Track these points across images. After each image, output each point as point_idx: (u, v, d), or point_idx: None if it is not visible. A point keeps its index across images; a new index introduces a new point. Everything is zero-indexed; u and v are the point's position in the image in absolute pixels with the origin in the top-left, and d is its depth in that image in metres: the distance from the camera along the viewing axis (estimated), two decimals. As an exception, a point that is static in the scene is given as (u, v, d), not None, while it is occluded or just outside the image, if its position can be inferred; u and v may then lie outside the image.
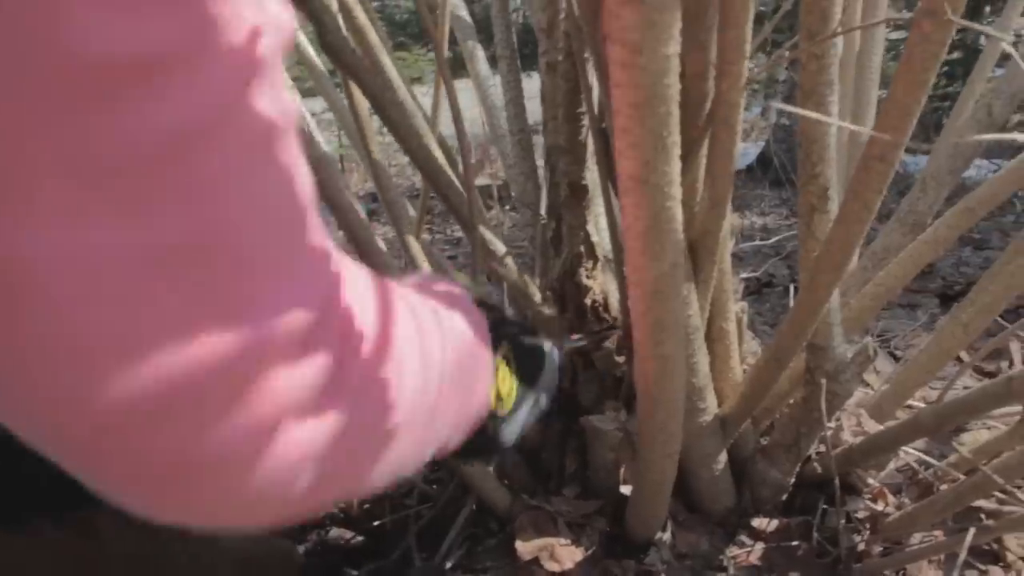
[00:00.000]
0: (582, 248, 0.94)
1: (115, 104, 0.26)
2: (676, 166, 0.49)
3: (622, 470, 0.92)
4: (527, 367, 0.70)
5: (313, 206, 0.34)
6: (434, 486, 1.06)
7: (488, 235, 0.86)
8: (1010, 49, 0.55)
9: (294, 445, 0.34)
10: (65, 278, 0.26)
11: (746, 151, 4.12)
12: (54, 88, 0.24)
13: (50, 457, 0.30)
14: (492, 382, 0.62)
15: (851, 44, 1.18)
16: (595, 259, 0.95)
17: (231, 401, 0.31)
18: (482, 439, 0.63)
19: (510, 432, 0.66)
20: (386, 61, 0.97)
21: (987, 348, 1.13)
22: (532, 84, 1.22)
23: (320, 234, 0.35)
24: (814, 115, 0.64)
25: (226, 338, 0.30)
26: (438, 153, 0.94)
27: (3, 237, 0.25)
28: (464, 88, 1.45)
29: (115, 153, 0.26)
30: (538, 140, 1.23)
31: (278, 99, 0.31)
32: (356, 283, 0.39)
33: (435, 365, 0.47)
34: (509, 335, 0.69)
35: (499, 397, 0.64)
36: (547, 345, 0.74)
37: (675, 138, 0.48)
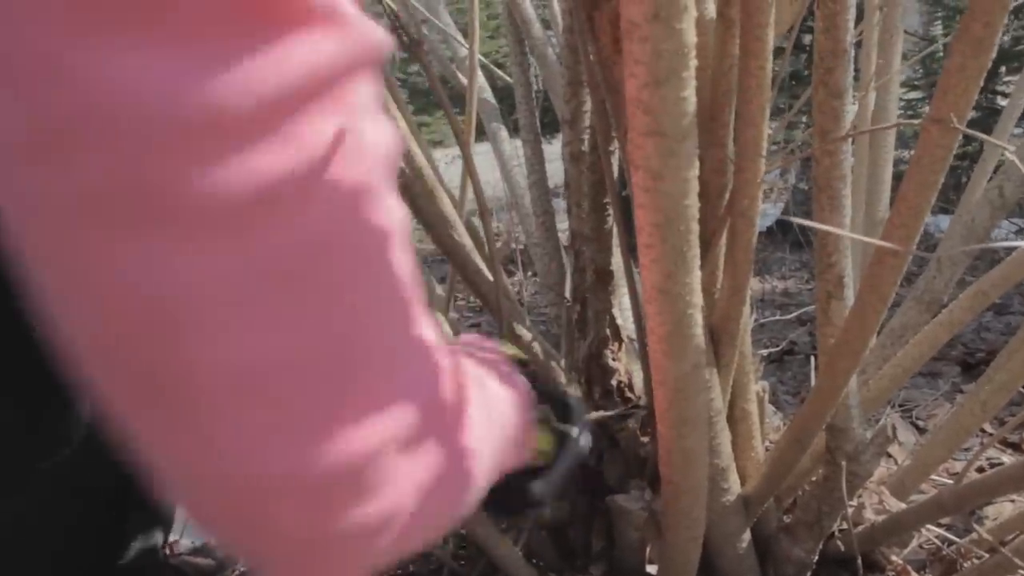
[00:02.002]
0: (607, 331, 0.96)
1: (246, 232, 0.29)
2: (696, 276, 0.53)
3: (648, 549, 0.94)
4: (562, 429, 0.75)
5: (419, 298, 0.39)
6: (462, 563, 1.08)
7: (517, 327, 0.90)
8: (1012, 157, 0.58)
9: (406, 516, 0.38)
10: (224, 388, 0.30)
11: (765, 213, 4.15)
12: (186, 223, 0.28)
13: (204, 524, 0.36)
14: (530, 444, 0.68)
15: (865, 121, 1.21)
16: (620, 341, 0.98)
17: (361, 488, 0.35)
18: (518, 496, 0.68)
19: (543, 489, 0.70)
20: (415, 150, 1.01)
21: (1012, 423, 1.14)
22: (550, 149, 1.26)
23: (425, 323, 0.39)
24: (834, 229, 0.67)
25: (355, 432, 0.33)
26: (466, 240, 0.98)
27: (176, 355, 0.30)
28: (487, 152, 1.50)
29: (250, 273, 0.30)
30: (558, 204, 1.27)
31: (388, 209, 0.35)
32: (443, 361, 0.44)
33: (494, 432, 0.52)
34: (546, 397, 0.74)
35: (538, 453, 0.70)
36: (581, 407, 0.78)
37: (695, 252, 0.51)
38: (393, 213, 0.35)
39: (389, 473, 0.36)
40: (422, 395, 0.38)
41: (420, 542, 0.43)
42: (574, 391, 0.97)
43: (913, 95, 4.65)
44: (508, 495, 0.64)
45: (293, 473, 0.32)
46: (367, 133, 0.33)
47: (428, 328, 0.40)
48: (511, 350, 0.78)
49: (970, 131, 0.59)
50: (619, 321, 0.98)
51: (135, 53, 0.26)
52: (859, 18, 0.85)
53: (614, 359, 0.98)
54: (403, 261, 0.36)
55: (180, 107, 0.27)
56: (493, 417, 0.52)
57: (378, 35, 0.33)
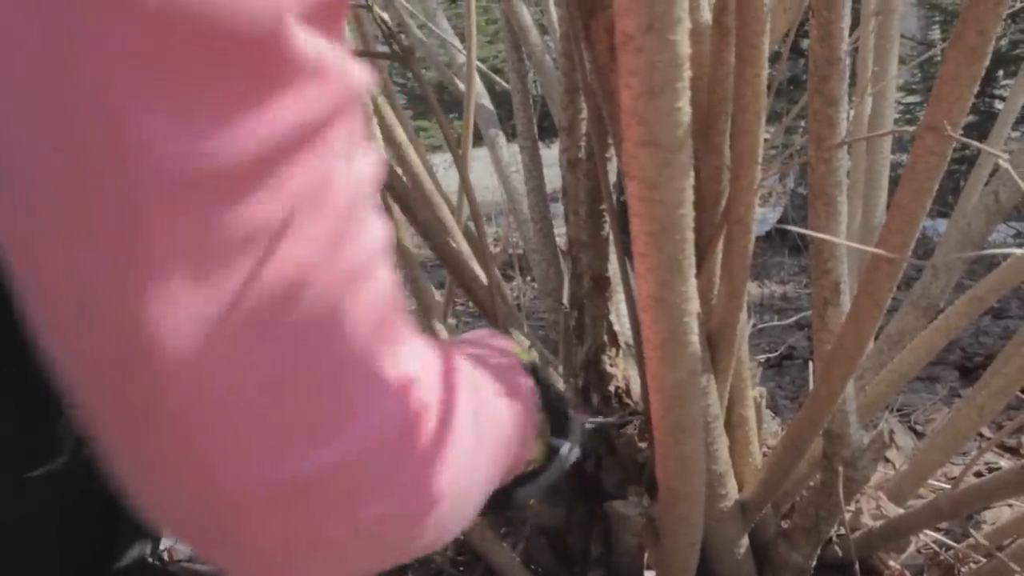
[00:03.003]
0: (605, 337, 0.97)
1: (232, 272, 0.32)
2: (692, 284, 0.53)
3: (646, 555, 0.94)
4: (555, 435, 0.76)
5: (401, 309, 0.41)
6: (461, 568, 1.09)
7: (514, 332, 0.90)
8: (1005, 165, 0.59)
9: (379, 527, 0.41)
10: (199, 401, 0.33)
11: (764, 217, 4.15)
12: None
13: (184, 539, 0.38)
14: (526, 452, 0.69)
15: (862, 127, 1.22)
16: (617, 346, 0.98)
17: (340, 497, 0.38)
18: (501, 499, 0.70)
19: (524, 495, 0.73)
20: (413, 158, 1.02)
21: (1010, 428, 1.15)
22: (548, 153, 1.27)
23: (406, 334, 0.42)
24: (829, 238, 0.68)
25: (336, 446, 0.36)
26: (463, 246, 0.98)
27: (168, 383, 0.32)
28: (484, 157, 1.51)
29: (236, 309, 0.33)
30: (555, 209, 1.27)
31: (370, 235, 0.37)
32: (431, 368, 0.46)
33: (484, 448, 0.53)
34: (546, 406, 0.75)
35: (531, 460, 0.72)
36: (575, 417, 0.80)
37: (690, 260, 0.51)
38: (375, 236, 0.38)
39: (365, 483, 0.38)
40: (401, 412, 0.40)
41: (399, 557, 0.45)
42: (571, 396, 0.98)
43: (911, 99, 4.65)
44: (493, 496, 0.67)
45: (261, 488, 0.35)
46: (351, 168, 0.36)
47: (411, 345, 0.42)
48: (521, 348, 0.79)
49: (964, 139, 0.59)
50: (616, 327, 0.98)
51: (155, 114, 0.29)
52: (856, 24, 0.85)
53: (612, 365, 0.98)
54: (383, 282, 0.38)
55: (181, 164, 0.30)
56: (485, 431, 0.53)
57: (360, 75, 0.35)
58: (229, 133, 0.30)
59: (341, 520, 0.38)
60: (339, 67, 0.34)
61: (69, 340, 0.33)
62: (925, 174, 0.61)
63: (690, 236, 0.50)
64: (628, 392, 0.99)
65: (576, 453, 0.78)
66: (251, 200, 0.31)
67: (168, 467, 0.34)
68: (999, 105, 3.91)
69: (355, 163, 0.36)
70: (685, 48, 0.40)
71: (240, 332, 0.33)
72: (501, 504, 0.72)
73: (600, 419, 0.96)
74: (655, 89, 0.41)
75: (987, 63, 0.56)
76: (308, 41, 0.32)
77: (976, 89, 0.57)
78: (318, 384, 0.36)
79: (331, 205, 0.34)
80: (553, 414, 0.76)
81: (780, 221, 4.06)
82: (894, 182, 1.27)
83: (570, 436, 0.78)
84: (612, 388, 0.98)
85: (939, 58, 3.92)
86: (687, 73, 0.42)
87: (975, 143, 0.59)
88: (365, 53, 1.00)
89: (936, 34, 4.57)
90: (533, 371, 0.74)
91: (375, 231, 0.38)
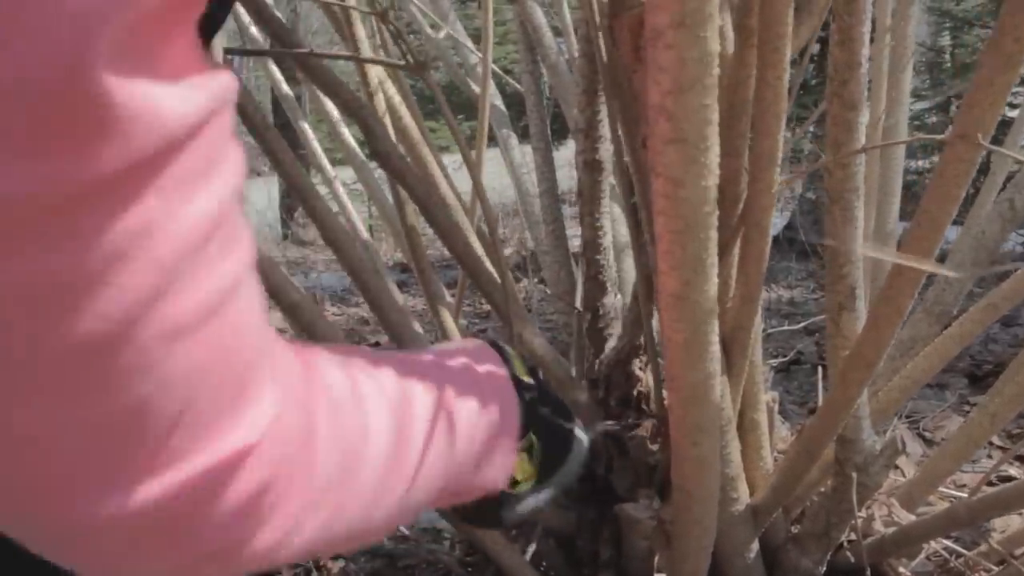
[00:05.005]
0: (643, 338, 0.95)
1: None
2: (714, 284, 0.53)
3: (656, 558, 0.94)
4: (551, 457, 0.72)
5: (263, 328, 0.39)
6: (469, 569, 1.08)
7: (528, 334, 0.90)
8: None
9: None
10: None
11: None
12: None
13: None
14: (505, 465, 0.66)
15: (876, 133, 1.21)
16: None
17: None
18: (488, 514, 0.69)
19: (511, 515, 0.71)
20: (429, 158, 1.02)
21: None
22: (557, 155, 1.27)
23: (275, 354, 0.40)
24: (835, 242, 0.68)
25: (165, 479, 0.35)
26: (479, 248, 0.98)
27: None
28: (495, 158, 1.51)
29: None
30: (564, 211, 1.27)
31: (235, 252, 0.35)
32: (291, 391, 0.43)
33: (365, 449, 0.49)
34: (539, 423, 0.72)
35: (515, 482, 0.68)
36: (580, 436, 0.76)
37: (713, 259, 0.51)
38: (233, 267, 0.35)
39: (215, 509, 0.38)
40: (253, 436, 0.38)
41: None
42: (583, 397, 0.97)
43: (920, 105, 4.65)
44: (480, 512, 0.67)
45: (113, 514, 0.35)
46: (208, 192, 0.33)
47: (277, 368, 0.41)
48: (518, 361, 0.76)
49: (993, 147, 0.59)
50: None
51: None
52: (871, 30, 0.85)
53: (641, 368, 0.97)
54: (247, 301, 0.37)
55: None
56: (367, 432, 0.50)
57: (218, 87, 0.33)
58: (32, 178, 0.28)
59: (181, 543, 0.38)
60: (161, 106, 0.30)
61: None
62: (954, 180, 0.61)
63: (714, 235, 0.50)
64: (648, 398, 0.98)
65: (585, 448, 0.76)
66: (65, 249, 0.29)
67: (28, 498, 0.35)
68: (1011, 113, 3.90)
69: (212, 182, 0.33)
70: (715, 45, 0.40)
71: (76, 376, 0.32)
72: (489, 521, 0.71)
73: (610, 425, 0.95)
74: (684, 85, 0.41)
75: (1022, 71, 0.56)
76: (124, 87, 0.29)
77: (1008, 96, 0.57)
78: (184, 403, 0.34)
79: (161, 249, 0.31)
80: (547, 436, 0.73)
81: (788, 226, 4.06)
82: (904, 188, 1.27)
83: (572, 447, 0.75)
84: (636, 391, 0.97)
85: (948, 64, 3.92)
86: (716, 70, 0.42)
87: (1001, 150, 0.58)
88: (378, 62, 1.00)
89: (946, 40, 4.57)
90: (533, 374, 0.72)
91: (239, 255, 0.36)
